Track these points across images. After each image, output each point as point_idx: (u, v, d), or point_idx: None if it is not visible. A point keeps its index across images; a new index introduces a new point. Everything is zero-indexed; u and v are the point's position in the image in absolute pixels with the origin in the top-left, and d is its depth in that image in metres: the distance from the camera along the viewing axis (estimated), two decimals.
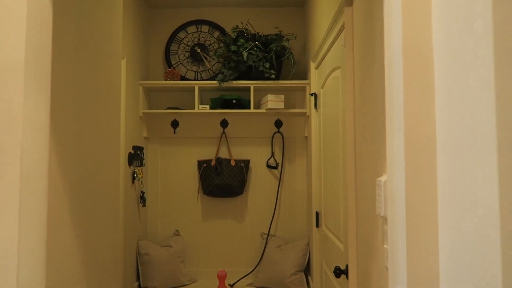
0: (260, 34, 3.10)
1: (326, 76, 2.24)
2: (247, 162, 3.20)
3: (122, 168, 2.67)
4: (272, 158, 3.29)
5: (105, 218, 1.65)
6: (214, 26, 3.33)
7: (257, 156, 3.29)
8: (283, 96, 2.99)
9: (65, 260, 1.27)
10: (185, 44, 3.34)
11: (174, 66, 3.33)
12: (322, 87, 2.41)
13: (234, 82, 3.04)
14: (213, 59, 3.31)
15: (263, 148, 3.30)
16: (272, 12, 3.35)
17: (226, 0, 3.23)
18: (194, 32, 3.36)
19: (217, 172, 3.15)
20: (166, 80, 3.12)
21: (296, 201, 3.28)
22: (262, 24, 3.32)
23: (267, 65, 2.91)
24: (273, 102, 2.96)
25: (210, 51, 3.32)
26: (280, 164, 3.27)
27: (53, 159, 1.18)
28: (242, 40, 3.03)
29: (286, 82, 3.05)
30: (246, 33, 3.05)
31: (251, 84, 3.05)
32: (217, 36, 3.33)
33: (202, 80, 3.25)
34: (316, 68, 2.63)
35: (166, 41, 3.36)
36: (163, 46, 3.36)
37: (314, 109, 2.66)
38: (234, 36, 3.15)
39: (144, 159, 3.15)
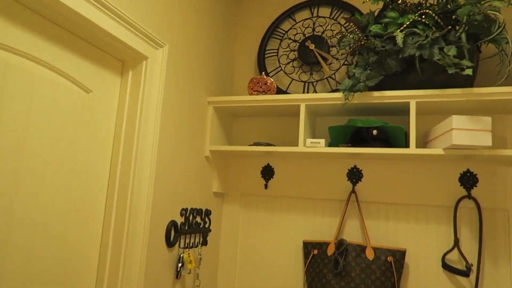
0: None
1: None
2: (400, 255, 1.58)
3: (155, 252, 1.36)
4: (455, 251, 1.59)
5: None
6: (340, 5, 1.92)
7: (420, 244, 1.64)
8: (488, 120, 1.34)
9: None
10: (291, 39, 2.00)
11: (270, 74, 2.01)
12: None
13: (376, 93, 1.54)
14: (336, 59, 1.88)
15: (434, 228, 1.64)
16: None
17: None
18: (305, 19, 2.00)
19: (338, 268, 1.60)
20: (251, 94, 1.79)
21: None
22: None
23: (452, 51, 1.33)
24: (463, 133, 1.34)
25: (333, 46, 1.90)
26: (475, 266, 1.55)
27: None
28: (392, 14, 1.54)
29: (494, 92, 1.40)
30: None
31: (412, 96, 1.49)
32: (345, 24, 1.90)
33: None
34: None
35: (261, 37, 2.08)
36: (256, 44, 2.08)
37: None
38: (377, 11, 1.68)
39: (206, 232, 1.80)
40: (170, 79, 1.53)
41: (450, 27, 1.41)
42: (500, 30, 1.36)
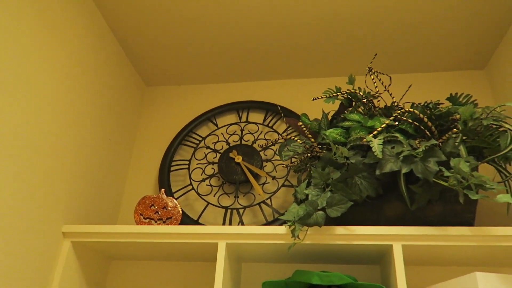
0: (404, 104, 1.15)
1: None
2: None
3: None
4: None
5: None
6: (277, 110, 1.45)
7: None
8: None
9: None
10: (209, 148, 1.43)
11: (176, 195, 1.36)
12: None
13: (340, 230, 0.95)
14: (273, 178, 1.32)
15: None
16: (408, 79, 1.46)
17: (305, 71, 1.45)
18: (231, 125, 1.48)
19: None
20: (139, 223, 1.11)
21: None
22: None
23: (464, 166, 0.84)
24: None
25: (268, 160, 1.36)
26: None
27: None
28: (356, 116, 1.08)
29: None
30: (367, 98, 1.11)
31: (397, 237, 0.93)
32: (287, 131, 1.41)
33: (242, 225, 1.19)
34: None
35: (167, 144, 1.49)
36: (159, 154, 1.47)
37: None
38: (331, 114, 1.24)
39: None
40: None
41: (448, 135, 0.95)
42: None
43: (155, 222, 1.10)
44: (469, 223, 0.95)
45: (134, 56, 1.44)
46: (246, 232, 0.98)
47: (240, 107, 1.49)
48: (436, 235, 0.92)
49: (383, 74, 1.15)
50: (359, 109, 1.12)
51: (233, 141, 1.43)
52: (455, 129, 0.94)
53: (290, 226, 0.94)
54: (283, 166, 1.34)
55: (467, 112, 0.92)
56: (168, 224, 1.10)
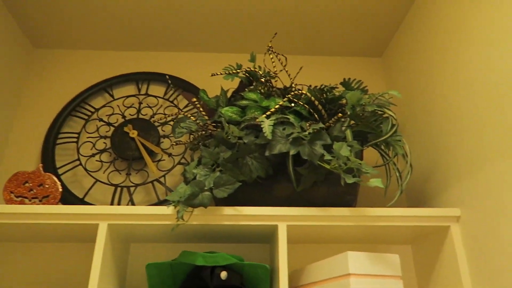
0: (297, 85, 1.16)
1: None
2: None
3: None
4: None
5: None
6: (180, 84, 1.38)
7: None
8: (396, 260, 0.86)
9: None
10: (102, 121, 1.33)
11: (61, 171, 1.25)
12: None
13: (228, 210, 0.94)
14: (169, 155, 1.27)
15: None
16: (303, 62, 1.49)
17: (212, 44, 1.40)
18: (128, 97, 1.39)
19: None
20: (9, 202, 0.99)
21: None
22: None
23: (345, 151, 0.86)
24: (365, 282, 0.82)
25: (166, 136, 1.30)
26: None
27: None
28: (253, 95, 1.06)
29: (401, 215, 0.96)
30: (265, 77, 1.10)
31: (282, 217, 0.95)
32: (187, 107, 1.36)
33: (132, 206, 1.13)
34: None
35: (55, 114, 1.35)
36: (45, 125, 1.33)
37: None
38: (231, 92, 1.21)
39: None
40: None
41: (335, 118, 0.97)
42: (394, 130, 0.98)
43: (29, 201, 0.99)
44: (350, 204, 1.00)
45: (18, 12, 1.26)
46: (129, 212, 0.93)
47: (140, 78, 1.40)
48: (319, 215, 0.95)
49: (281, 55, 1.14)
50: (259, 88, 1.11)
51: (130, 114, 1.34)
52: (341, 114, 0.97)
53: (175, 206, 0.90)
54: (173, 144, 1.28)
55: (354, 98, 0.95)
56: (44, 204, 1.00)
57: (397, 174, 1.03)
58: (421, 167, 1.18)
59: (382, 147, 1.03)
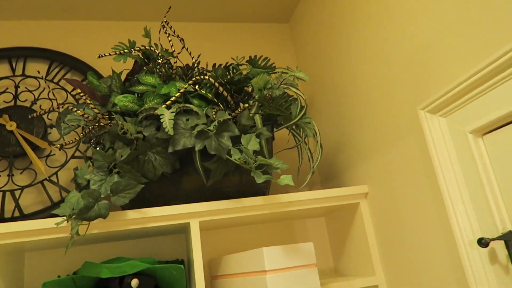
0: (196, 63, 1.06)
1: None
2: None
3: None
4: None
5: None
6: (65, 61, 1.19)
7: None
8: (311, 248, 0.86)
9: None
10: None
11: None
12: None
13: (132, 214, 0.85)
14: (60, 148, 1.11)
15: None
16: (198, 29, 1.37)
17: (101, 11, 1.19)
18: (1, 79, 1.16)
19: None
20: None
21: None
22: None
23: (254, 144, 0.81)
24: (282, 276, 0.82)
25: (54, 126, 1.13)
26: None
27: None
28: (150, 79, 0.94)
29: (311, 198, 0.95)
30: (163, 59, 0.97)
31: (194, 214, 0.89)
32: (74, 92, 1.18)
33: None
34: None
35: None
36: None
37: None
38: (125, 73, 1.07)
39: None
40: None
41: (244, 104, 0.90)
42: (303, 112, 0.94)
43: None
44: (263, 191, 0.97)
45: None
46: (16, 230, 0.79)
47: (13, 55, 1.17)
48: (231, 208, 0.91)
49: (176, 36, 1.00)
50: (158, 69, 0.98)
51: (4, 101, 1.13)
52: (251, 101, 0.90)
53: (67, 221, 0.78)
54: (57, 146, 1.12)
55: (261, 82, 0.88)
56: None
57: (309, 154, 1.02)
58: (331, 143, 1.18)
59: (294, 127, 1.00)
